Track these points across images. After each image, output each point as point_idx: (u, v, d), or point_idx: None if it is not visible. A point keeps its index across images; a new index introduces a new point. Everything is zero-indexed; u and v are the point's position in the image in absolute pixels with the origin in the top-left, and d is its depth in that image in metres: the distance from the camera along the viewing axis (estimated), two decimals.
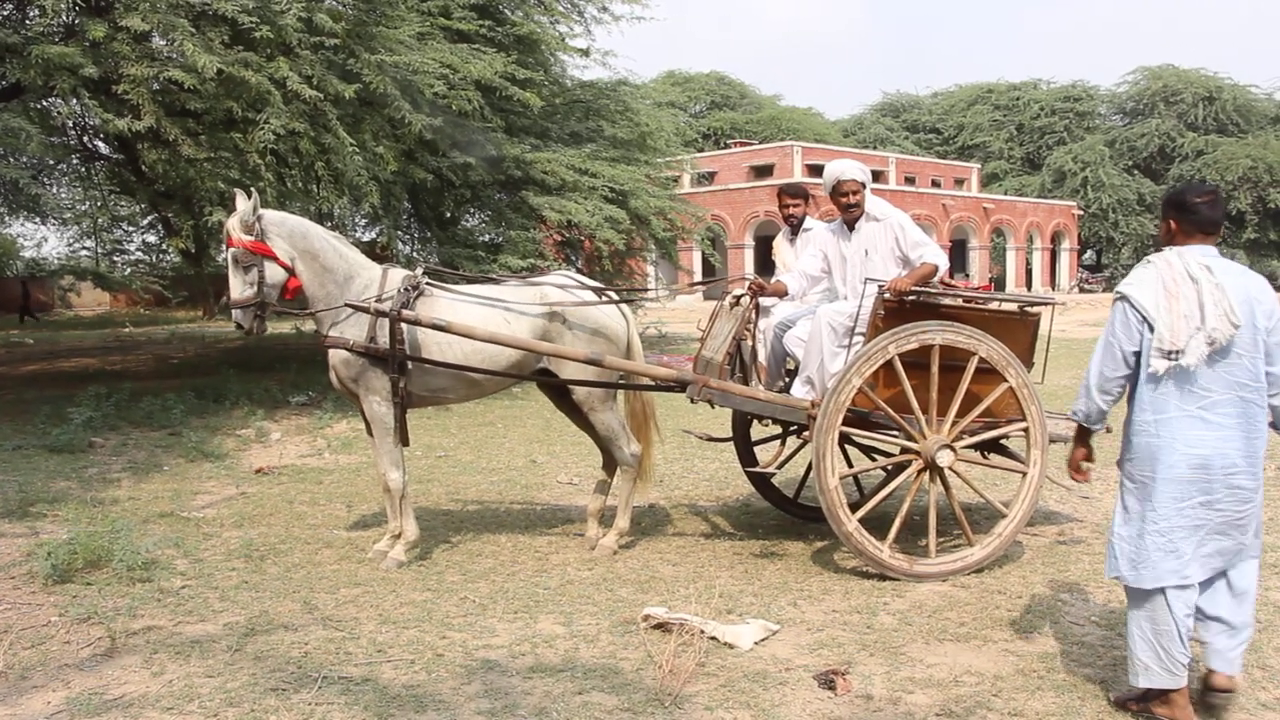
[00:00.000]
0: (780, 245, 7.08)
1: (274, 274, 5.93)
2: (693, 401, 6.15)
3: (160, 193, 13.80)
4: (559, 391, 6.74)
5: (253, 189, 6.09)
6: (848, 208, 6.13)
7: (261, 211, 5.94)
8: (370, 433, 6.23)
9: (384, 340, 5.95)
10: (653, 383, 6.44)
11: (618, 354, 6.34)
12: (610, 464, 6.72)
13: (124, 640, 4.79)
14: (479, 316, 6.13)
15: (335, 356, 6.09)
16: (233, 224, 5.86)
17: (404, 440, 6.21)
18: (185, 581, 5.72)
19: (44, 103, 12.10)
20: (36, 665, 4.54)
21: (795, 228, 6.92)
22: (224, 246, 5.93)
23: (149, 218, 24.38)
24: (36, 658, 4.62)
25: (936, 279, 5.89)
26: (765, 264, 35.59)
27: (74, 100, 11.11)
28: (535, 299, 6.32)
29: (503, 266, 13.75)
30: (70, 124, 14.68)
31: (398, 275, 6.19)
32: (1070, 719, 3.96)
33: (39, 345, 22.44)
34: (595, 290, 6.59)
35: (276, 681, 4.31)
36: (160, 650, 4.68)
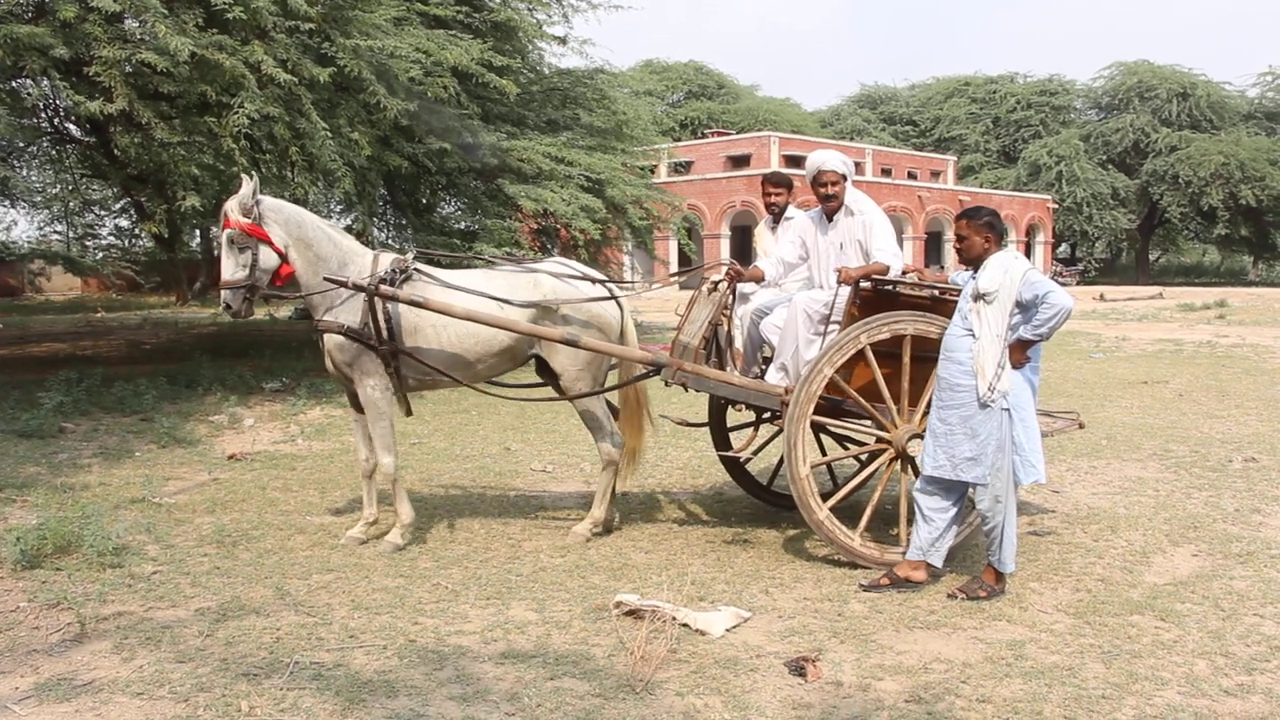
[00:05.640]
0: (762, 234, 7.10)
1: (267, 259, 5.96)
2: (667, 384, 6.19)
3: (133, 177, 13.67)
4: (558, 385, 6.70)
5: (252, 172, 6.11)
6: (826, 198, 6.17)
7: (260, 196, 5.97)
8: (360, 413, 6.29)
9: (380, 325, 5.97)
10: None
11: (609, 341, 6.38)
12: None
13: (94, 626, 4.76)
14: (470, 303, 6.13)
15: (330, 341, 6.10)
16: (231, 205, 5.90)
17: (407, 410, 6.34)
18: (156, 567, 5.70)
19: (13, 83, 11.92)
20: (4, 651, 4.50)
21: (777, 216, 6.94)
22: (220, 227, 5.97)
23: (121, 202, 24.15)
24: (4, 643, 4.59)
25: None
26: (741, 254, 35.58)
27: (44, 81, 10.99)
28: (528, 287, 6.33)
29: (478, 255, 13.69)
30: (41, 105, 14.49)
31: (389, 260, 6.21)
32: (1037, 705, 4.00)
33: (8, 330, 22.19)
34: (590, 279, 6.59)
35: (248, 667, 4.30)
36: (130, 636, 4.66)
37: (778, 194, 6.91)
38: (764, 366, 6.44)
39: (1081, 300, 28.04)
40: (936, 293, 5.73)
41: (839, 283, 5.75)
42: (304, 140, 11.13)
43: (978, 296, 5.17)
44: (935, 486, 5.35)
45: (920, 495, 5.42)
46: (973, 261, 5.32)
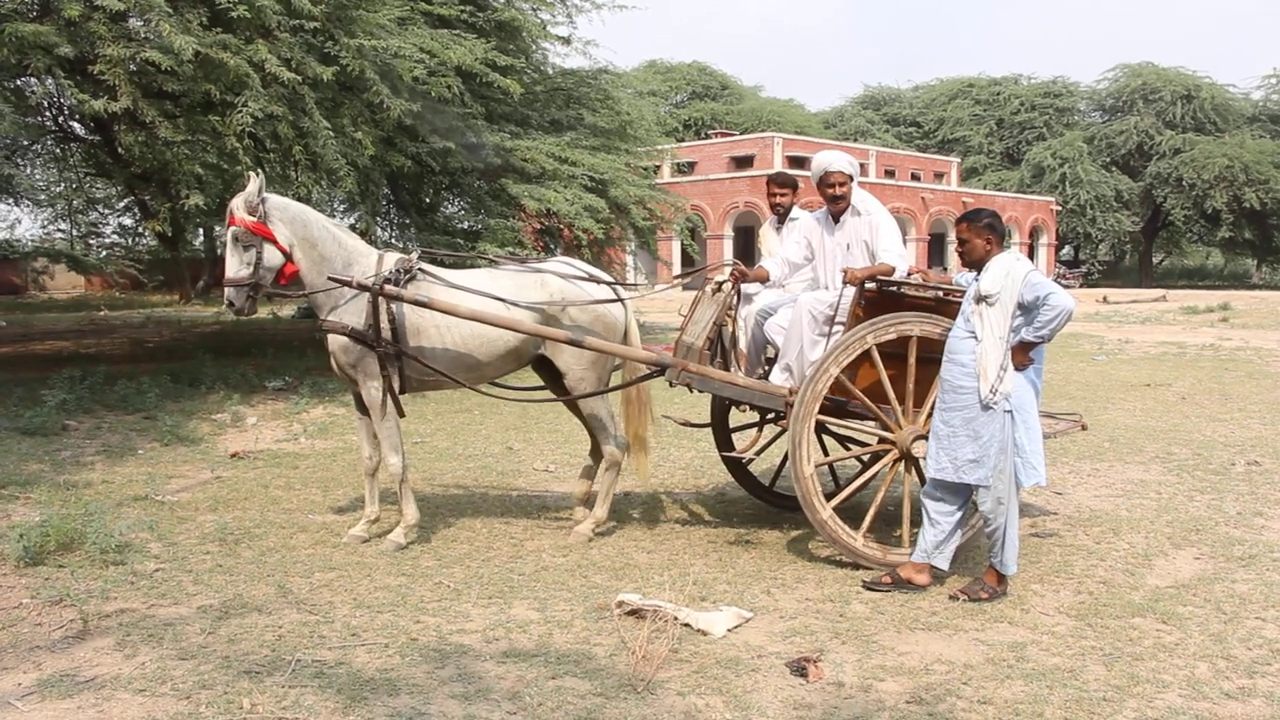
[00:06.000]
0: (766, 234, 7.11)
1: (271, 257, 5.95)
2: (671, 385, 6.19)
3: (137, 175, 13.67)
4: (558, 385, 6.71)
5: (259, 170, 6.12)
6: (833, 199, 6.16)
7: (266, 195, 5.95)
8: (365, 414, 6.27)
9: (383, 326, 5.96)
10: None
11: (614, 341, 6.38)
12: (597, 451, 6.74)
13: (96, 622, 4.77)
14: (476, 303, 6.12)
15: (335, 342, 6.10)
16: (236, 203, 5.89)
17: (400, 411, 6.26)
18: (159, 565, 5.70)
19: (17, 82, 11.93)
20: (7, 647, 4.51)
21: (782, 217, 6.95)
22: (225, 224, 5.96)
23: (125, 200, 24.19)
24: (7, 639, 4.60)
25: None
26: (744, 255, 35.57)
27: (49, 80, 10.99)
28: (534, 287, 6.32)
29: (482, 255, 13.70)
30: (45, 104, 14.51)
31: (393, 260, 6.20)
32: (1038, 707, 4.00)
33: (12, 328, 22.21)
34: (596, 279, 6.59)
35: (250, 665, 4.31)
36: (133, 632, 4.67)
37: (783, 194, 6.92)
38: (768, 367, 6.44)
39: (1084, 303, 28.01)
40: (941, 294, 5.73)
41: (844, 283, 5.75)
42: (307, 139, 11.14)
43: (980, 298, 5.18)
44: (941, 490, 5.36)
45: (927, 499, 5.43)
46: (975, 264, 5.33)
